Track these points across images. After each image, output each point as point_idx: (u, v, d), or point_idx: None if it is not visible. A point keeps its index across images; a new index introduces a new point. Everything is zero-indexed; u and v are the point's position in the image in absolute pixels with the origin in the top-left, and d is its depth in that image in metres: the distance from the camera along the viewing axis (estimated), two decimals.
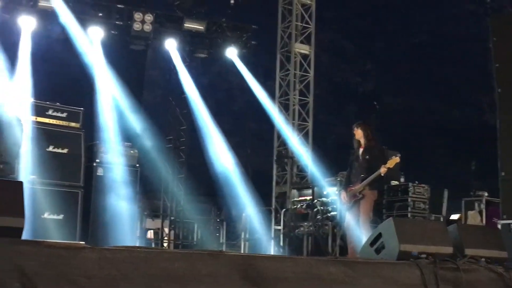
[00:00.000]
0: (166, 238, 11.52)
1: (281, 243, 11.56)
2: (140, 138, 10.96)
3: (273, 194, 13.58)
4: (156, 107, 12.97)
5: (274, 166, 13.71)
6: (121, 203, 9.53)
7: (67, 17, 10.79)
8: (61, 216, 9.05)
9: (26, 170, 8.74)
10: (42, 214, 8.84)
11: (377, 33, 19.25)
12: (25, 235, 5.41)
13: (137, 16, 11.47)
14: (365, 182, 8.30)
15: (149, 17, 11.54)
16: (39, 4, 10.65)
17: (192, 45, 12.61)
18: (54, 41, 10.72)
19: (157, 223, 11.52)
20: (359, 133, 8.58)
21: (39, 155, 8.98)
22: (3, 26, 10.31)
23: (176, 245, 11.65)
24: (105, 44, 11.33)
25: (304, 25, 13.90)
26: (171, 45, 12.16)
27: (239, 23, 12.69)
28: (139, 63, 13.04)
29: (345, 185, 8.72)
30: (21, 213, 5.67)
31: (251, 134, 13.59)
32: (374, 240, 5.27)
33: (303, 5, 13.92)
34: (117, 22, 11.49)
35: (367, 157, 8.45)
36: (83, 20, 11.04)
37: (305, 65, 13.84)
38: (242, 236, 11.99)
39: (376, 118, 10.33)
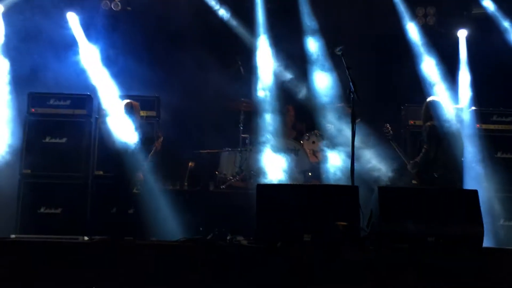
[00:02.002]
0: None
1: None
2: None
3: None
4: None
5: None
6: None
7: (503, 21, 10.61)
8: None
9: (476, 178, 8.88)
10: (498, 221, 8.94)
11: None
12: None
13: None
14: None
15: None
16: (473, 12, 10.76)
17: None
18: (490, 46, 10.61)
19: None
20: None
21: (488, 163, 9.03)
22: (440, 39, 10.68)
23: None
24: None
25: None
26: None
27: None
28: None
29: None
30: (479, 221, 5.96)
31: None
32: None
33: None
34: None
35: None
36: None
37: None
38: None
39: None
